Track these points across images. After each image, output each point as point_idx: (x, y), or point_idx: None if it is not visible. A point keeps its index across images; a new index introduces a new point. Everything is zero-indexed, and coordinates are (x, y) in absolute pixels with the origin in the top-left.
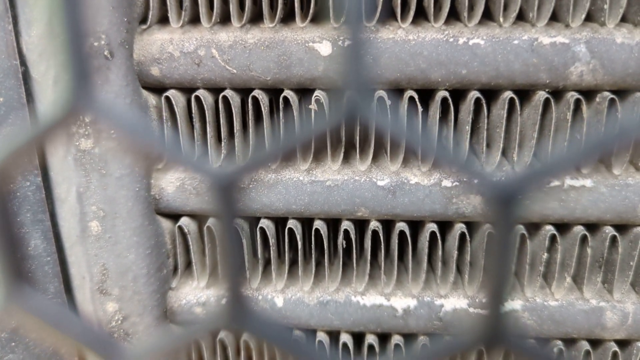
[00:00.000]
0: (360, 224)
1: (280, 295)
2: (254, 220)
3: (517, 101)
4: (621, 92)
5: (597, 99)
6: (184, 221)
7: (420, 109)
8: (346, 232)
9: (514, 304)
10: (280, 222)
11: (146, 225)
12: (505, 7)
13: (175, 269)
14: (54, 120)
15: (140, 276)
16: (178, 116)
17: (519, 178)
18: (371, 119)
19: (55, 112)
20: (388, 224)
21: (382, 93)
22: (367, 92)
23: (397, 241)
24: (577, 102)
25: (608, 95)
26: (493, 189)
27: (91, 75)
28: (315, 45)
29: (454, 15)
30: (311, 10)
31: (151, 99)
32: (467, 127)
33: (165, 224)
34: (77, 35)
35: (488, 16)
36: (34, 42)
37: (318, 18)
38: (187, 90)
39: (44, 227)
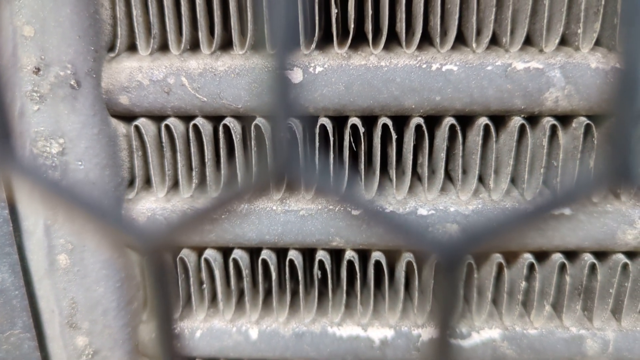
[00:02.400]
0: (336, 254)
1: (254, 326)
2: (227, 251)
3: (492, 127)
4: (597, 117)
5: (574, 124)
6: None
7: (394, 136)
8: (321, 262)
9: (492, 333)
10: (254, 252)
11: (116, 257)
12: (478, 32)
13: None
14: None
15: (110, 309)
16: (148, 145)
17: (463, 239)
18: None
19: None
20: (364, 253)
21: (355, 120)
22: (289, 119)
23: (373, 271)
24: (553, 128)
25: (584, 120)
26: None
27: (10, 133)
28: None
29: (427, 41)
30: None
31: (121, 127)
32: (442, 154)
33: (136, 256)
34: None
35: (461, 41)
36: None
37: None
38: (158, 118)
39: (12, 260)
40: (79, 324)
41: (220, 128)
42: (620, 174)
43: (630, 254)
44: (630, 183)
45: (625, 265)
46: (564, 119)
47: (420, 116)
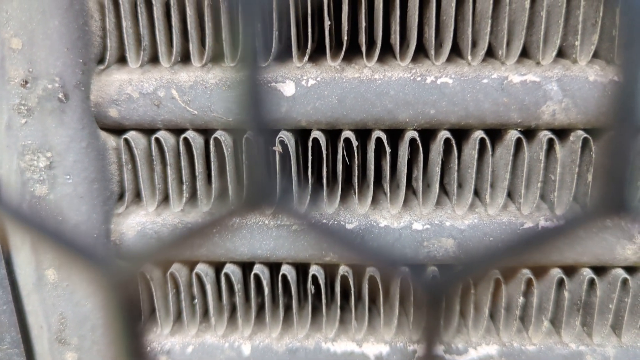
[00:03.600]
0: (330, 268)
1: (247, 342)
2: (219, 265)
3: (488, 141)
4: (595, 131)
5: (571, 138)
6: (146, 268)
7: (388, 149)
8: (314, 277)
9: (490, 349)
10: (247, 266)
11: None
12: (474, 45)
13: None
14: None
15: (99, 325)
16: (138, 158)
17: (446, 276)
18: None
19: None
20: (359, 268)
21: (348, 133)
22: (269, 132)
23: (367, 285)
24: (550, 142)
25: (582, 134)
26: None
27: None
28: (278, 85)
29: (421, 53)
30: (274, 49)
31: (110, 141)
32: (437, 168)
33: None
34: None
35: (456, 53)
36: None
37: (280, 58)
38: (148, 131)
39: (0, 275)
40: (68, 339)
41: (211, 141)
42: (615, 206)
43: (629, 269)
44: (626, 214)
45: (624, 281)
46: (561, 132)
47: (415, 130)
